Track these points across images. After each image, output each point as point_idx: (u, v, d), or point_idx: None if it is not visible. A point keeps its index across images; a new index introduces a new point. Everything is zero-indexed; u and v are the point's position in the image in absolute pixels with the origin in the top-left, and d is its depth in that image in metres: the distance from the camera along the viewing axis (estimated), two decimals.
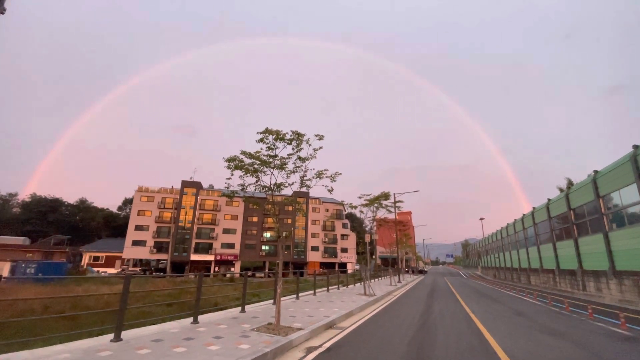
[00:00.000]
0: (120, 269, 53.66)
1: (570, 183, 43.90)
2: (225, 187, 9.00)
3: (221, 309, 10.07)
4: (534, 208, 33.18)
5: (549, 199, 29.08)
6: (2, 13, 3.13)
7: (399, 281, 29.04)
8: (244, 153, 8.33)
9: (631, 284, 17.01)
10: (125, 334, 6.06)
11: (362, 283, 17.48)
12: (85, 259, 55.15)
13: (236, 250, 58.55)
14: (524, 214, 36.49)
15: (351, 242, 67.41)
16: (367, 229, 23.01)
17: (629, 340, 8.11)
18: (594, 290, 20.83)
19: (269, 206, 8.60)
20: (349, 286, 20.95)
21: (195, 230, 57.20)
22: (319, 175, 9.16)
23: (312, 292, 14.97)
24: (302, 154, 8.66)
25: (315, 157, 8.81)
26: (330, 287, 17.57)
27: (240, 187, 8.79)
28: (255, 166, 8.36)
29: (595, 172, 20.38)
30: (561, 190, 42.86)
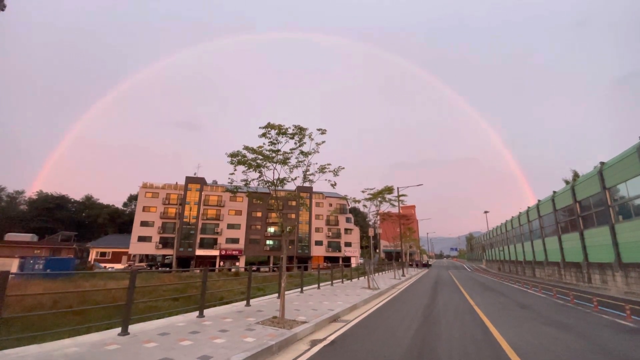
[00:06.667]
0: (126, 265, 54.31)
1: (576, 175, 43.46)
2: (229, 183, 9.01)
3: (226, 303, 10.17)
4: (539, 201, 32.95)
5: (554, 192, 28.85)
6: (2, 9, 3.11)
7: (403, 275, 29.10)
8: (246, 148, 8.31)
9: (637, 276, 16.90)
10: (132, 328, 6.15)
11: (366, 277, 17.53)
12: (92, 255, 55.88)
13: (241, 245, 58.94)
14: (529, 207, 36.27)
15: (355, 236, 67.54)
16: (370, 223, 22.98)
17: (634, 332, 8.08)
18: (599, 282, 20.74)
19: (273, 201, 8.60)
20: (352, 280, 21.04)
21: (199, 225, 57.58)
22: (322, 169, 9.13)
23: (316, 286, 15.05)
24: (305, 148, 8.62)
25: (318, 152, 8.77)
26: (334, 281, 17.65)
27: (244, 183, 8.79)
28: (258, 161, 8.35)
29: (602, 163, 20.14)
30: (567, 182, 42.49)
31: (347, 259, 64.82)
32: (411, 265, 61.77)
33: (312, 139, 8.58)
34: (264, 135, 8.30)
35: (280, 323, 7.17)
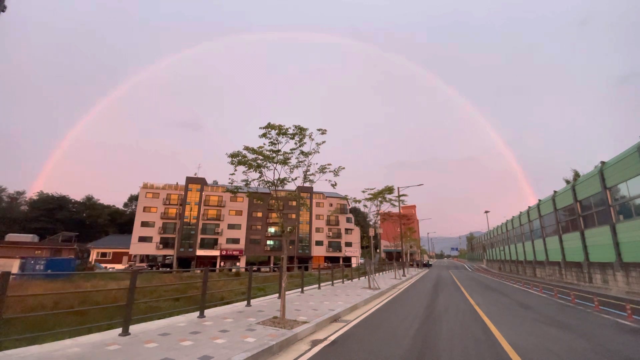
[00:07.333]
0: (127, 265, 54.35)
1: (576, 175, 43.40)
2: (229, 183, 9.02)
3: (227, 303, 10.18)
4: (539, 200, 32.92)
5: (555, 191, 28.83)
6: (3, 11, 3.12)
7: (404, 275, 29.09)
8: (247, 148, 8.31)
9: (638, 276, 16.88)
10: (133, 328, 6.15)
11: (367, 277, 17.53)
12: (93, 255, 55.92)
13: (241, 245, 58.95)
14: (529, 207, 36.23)
15: (355, 236, 67.53)
16: (371, 223, 22.99)
17: (635, 331, 8.07)
18: (600, 282, 20.71)
19: (273, 201, 8.61)
20: (353, 280, 21.04)
21: (200, 226, 57.60)
22: (322, 169, 9.14)
23: (316, 286, 15.05)
24: (305, 148, 8.63)
25: (319, 152, 8.77)
26: (334, 281, 17.65)
27: (244, 183, 8.79)
28: (259, 161, 8.35)
29: (603, 163, 20.12)
30: (567, 182, 42.45)
31: (347, 259, 64.80)
32: (412, 265, 61.78)
33: (313, 139, 8.58)
34: (264, 135, 8.31)
35: (281, 323, 7.17)
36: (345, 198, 63.72)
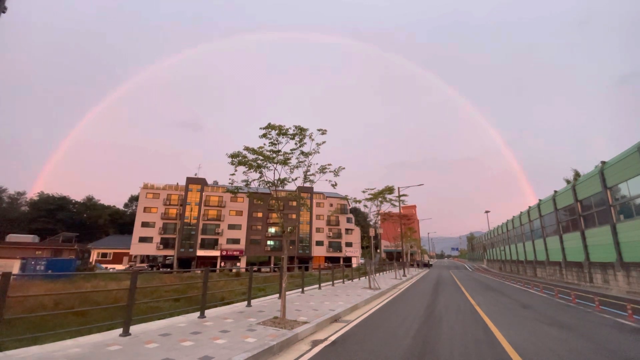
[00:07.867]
0: (127, 265, 54.38)
1: (577, 174, 43.35)
2: (230, 183, 9.02)
3: (227, 304, 10.18)
4: (540, 200, 32.90)
5: (555, 191, 28.81)
6: (4, 12, 3.12)
7: (404, 275, 29.07)
8: (247, 149, 8.31)
9: (638, 276, 16.87)
10: (133, 329, 6.15)
11: (367, 277, 17.53)
12: (94, 256, 55.96)
13: (241, 245, 58.95)
14: (530, 207, 36.22)
15: (355, 236, 67.51)
16: (371, 223, 22.98)
17: (636, 331, 8.06)
18: (600, 282, 20.70)
19: (273, 201, 8.61)
20: (353, 280, 21.03)
21: (200, 226, 57.61)
22: (323, 170, 9.14)
23: (317, 286, 15.04)
24: (305, 148, 8.62)
25: (319, 152, 8.77)
26: (335, 281, 17.64)
27: (244, 183, 8.79)
28: (259, 162, 8.35)
29: (603, 163, 20.11)
30: (568, 181, 42.39)
31: (348, 259, 64.76)
32: (412, 265, 61.72)
33: (313, 139, 8.58)
34: (264, 135, 8.31)
35: (281, 323, 7.17)
36: (345, 198, 63.74)
